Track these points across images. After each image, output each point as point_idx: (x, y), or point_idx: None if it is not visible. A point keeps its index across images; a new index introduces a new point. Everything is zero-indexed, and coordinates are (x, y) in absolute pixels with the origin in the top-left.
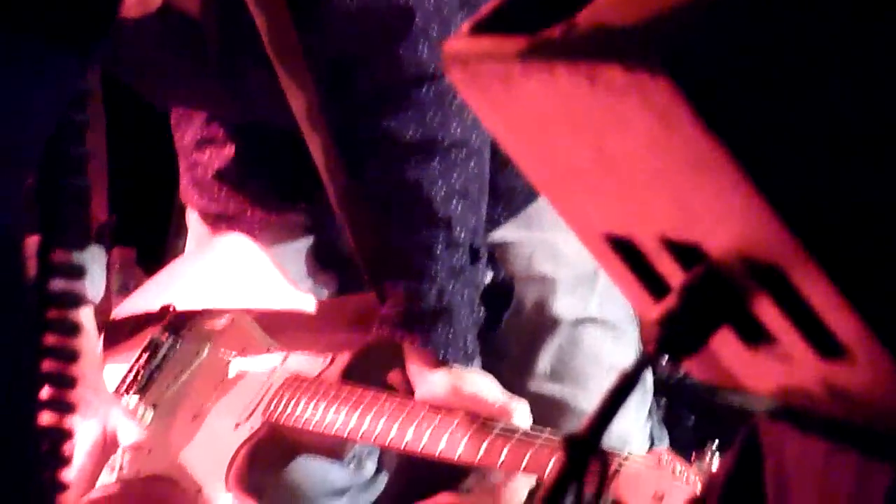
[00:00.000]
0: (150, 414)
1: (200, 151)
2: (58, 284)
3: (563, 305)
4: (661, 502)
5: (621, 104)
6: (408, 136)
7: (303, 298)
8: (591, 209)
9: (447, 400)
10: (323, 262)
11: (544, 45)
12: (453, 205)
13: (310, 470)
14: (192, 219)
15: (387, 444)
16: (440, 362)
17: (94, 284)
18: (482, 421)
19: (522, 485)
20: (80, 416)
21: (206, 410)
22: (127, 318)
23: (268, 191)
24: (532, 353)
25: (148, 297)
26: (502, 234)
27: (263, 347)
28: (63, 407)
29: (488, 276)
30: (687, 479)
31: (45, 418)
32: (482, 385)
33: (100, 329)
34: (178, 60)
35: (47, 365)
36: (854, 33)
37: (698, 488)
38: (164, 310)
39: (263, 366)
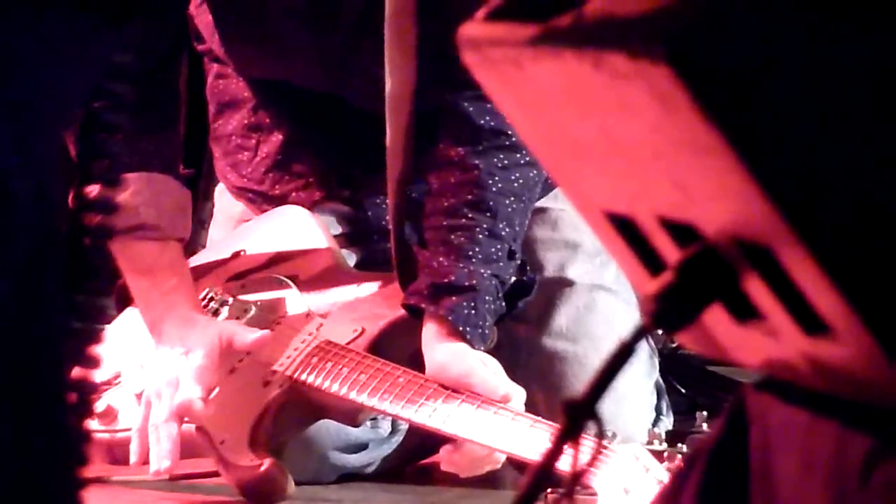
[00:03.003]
0: None
1: (247, 137)
2: (86, 242)
3: (581, 270)
4: (628, 495)
5: (625, 89)
6: (482, 121)
7: (348, 270)
8: (593, 187)
9: (452, 376)
10: (351, 239)
11: (554, 32)
12: (505, 202)
13: (327, 426)
14: (225, 199)
15: (396, 415)
16: (454, 335)
17: (182, 224)
18: (481, 401)
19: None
20: (194, 333)
21: (243, 365)
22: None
23: (315, 176)
24: (549, 312)
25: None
26: None
27: (303, 312)
28: (87, 361)
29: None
30: (657, 478)
31: (75, 371)
32: (484, 371)
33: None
34: (301, 30)
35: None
36: (853, 31)
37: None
38: (235, 255)
39: (300, 329)
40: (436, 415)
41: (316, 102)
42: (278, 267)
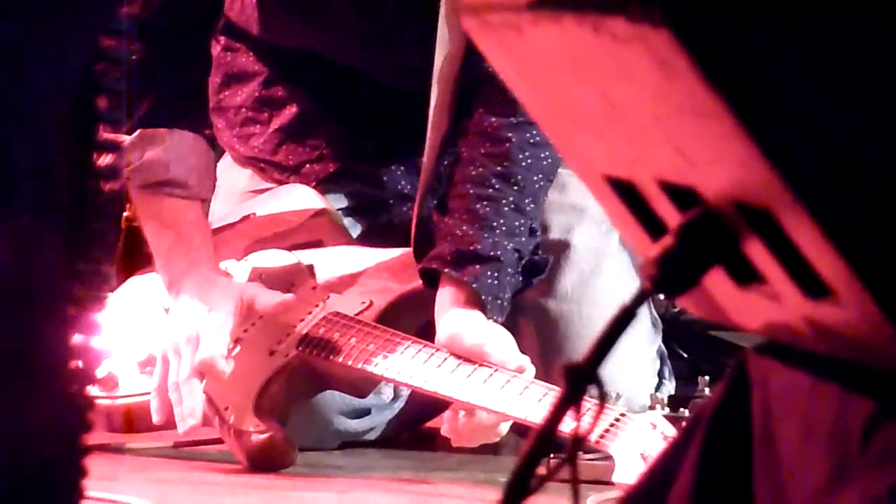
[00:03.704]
0: None
1: (258, 111)
2: (92, 199)
3: (587, 235)
4: (645, 461)
5: (625, 54)
6: None
7: (355, 244)
8: (593, 152)
9: (465, 345)
10: (361, 210)
11: None
12: (533, 178)
13: (331, 392)
14: (229, 174)
15: (406, 384)
16: (473, 303)
17: (208, 185)
18: (493, 370)
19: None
20: (216, 292)
21: (248, 335)
22: None
23: (329, 149)
24: (554, 275)
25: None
26: None
27: (310, 284)
28: (89, 328)
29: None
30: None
31: (77, 338)
32: (498, 341)
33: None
34: (350, 6)
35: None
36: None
37: None
38: (244, 219)
39: (307, 301)
40: (447, 384)
41: (339, 76)
42: (284, 240)
